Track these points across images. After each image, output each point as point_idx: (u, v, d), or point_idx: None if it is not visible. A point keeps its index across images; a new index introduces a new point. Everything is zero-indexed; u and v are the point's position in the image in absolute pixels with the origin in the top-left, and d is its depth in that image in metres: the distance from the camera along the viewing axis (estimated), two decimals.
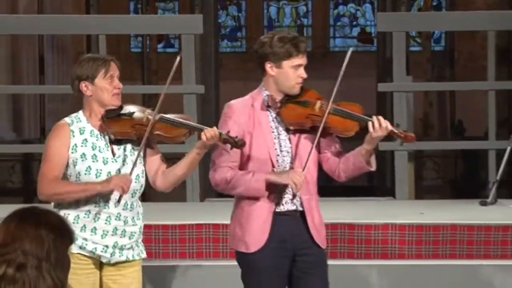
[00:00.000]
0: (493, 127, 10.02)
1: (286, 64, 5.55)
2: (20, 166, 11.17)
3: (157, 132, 5.40)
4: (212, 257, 7.44)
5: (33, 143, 11.69)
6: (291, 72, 5.56)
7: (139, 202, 5.54)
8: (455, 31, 18.42)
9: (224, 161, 5.55)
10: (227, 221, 7.47)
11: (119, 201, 5.29)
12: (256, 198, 5.53)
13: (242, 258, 5.67)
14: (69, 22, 11.39)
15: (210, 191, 11.88)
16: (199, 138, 5.40)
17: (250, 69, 22.53)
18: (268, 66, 5.59)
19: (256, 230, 5.59)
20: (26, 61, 12.37)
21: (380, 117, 5.47)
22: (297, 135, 5.65)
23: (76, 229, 5.29)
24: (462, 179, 14.26)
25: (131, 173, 5.31)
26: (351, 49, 5.80)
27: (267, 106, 5.64)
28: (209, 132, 5.29)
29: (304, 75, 5.60)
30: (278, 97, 5.61)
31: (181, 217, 7.85)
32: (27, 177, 11.14)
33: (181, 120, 5.55)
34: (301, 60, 5.60)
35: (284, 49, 5.56)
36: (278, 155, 5.61)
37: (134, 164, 5.35)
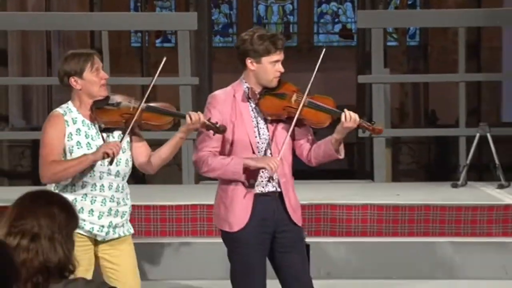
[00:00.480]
0: (463, 116, 10.05)
1: (265, 60, 5.57)
2: (30, 151, 11.12)
3: (145, 121, 5.43)
4: (206, 235, 7.45)
5: (40, 130, 11.67)
6: (269, 67, 5.58)
7: (127, 184, 5.56)
8: (429, 27, 18.40)
9: (206, 146, 5.57)
10: (208, 201, 7.55)
11: (110, 163, 5.29)
12: (238, 181, 5.57)
13: (226, 236, 5.72)
14: (74, 19, 11.37)
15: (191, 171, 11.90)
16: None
17: (239, 62, 22.60)
18: (248, 61, 5.63)
19: (239, 210, 5.64)
20: (35, 55, 12.35)
21: (350, 112, 5.50)
22: (275, 124, 5.67)
23: (77, 203, 5.37)
24: (435, 163, 14.25)
25: (121, 140, 5.32)
26: (324, 49, 5.86)
27: (247, 98, 5.68)
28: (194, 116, 5.34)
29: (281, 70, 5.63)
30: (258, 89, 5.64)
31: (178, 198, 7.86)
32: (35, 161, 11.11)
33: (166, 109, 5.59)
34: (279, 56, 5.63)
35: (264, 46, 5.59)
36: (258, 142, 5.65)
37: (124, 136, 5.37)
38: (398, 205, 7.54)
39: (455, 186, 8.96)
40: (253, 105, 5.65)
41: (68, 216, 3.69)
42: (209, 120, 5.37)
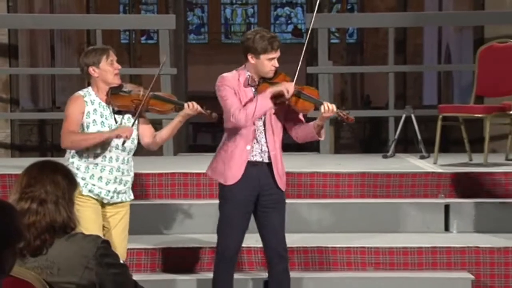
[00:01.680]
0: (392, 99, 10.05)
1: (263, 57, 5.68)
2: (37, 129, 11.07)
3: (151, 107, 5.58)
4: (182, 197, 7.43)
5: (46, 111, 11.54)
6: (266, 63, 5.69)
7: (132, 158, 5.65)
8: (364, 27, 18.42)
9: (233, 107, 5.66)
10: (195, 170, 7.53)
11: (123, 144, 5.43)
12: (237, 145, 5.71)
13: (221, 189, 5.86)
14: (73, 20, 11.29)
15: (181, 147, 11.84)
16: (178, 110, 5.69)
17: (211, 55, 22.66)
18: (249, 56, 5.73)
19: (235, 168, 5.75)
20: (41, 50, 12.25)
21: (329, 103, 5.63)
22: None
23: (86, 176, 5.48)
24: (369, 138, 14.30)
25: (132, 125, 5.47)
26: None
27: (248, 83, 5.76)
28: (192, 104, 5.53)
29: (276, 65, 5.74)
30: (257, 78, 5.75)
31: (159, 167, 7.84)
32: (42, 137, 11.04)
33: (169, 97, 5.84)
34: (275, 54, 5.72)
35: (263, 46, 5.68)
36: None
37: (134, 121, 5.50)
38: (339, 172, 7.54)
39: (385, 157, 8.97)
40: (253, 90, 5.74)
41: (70, 182, 3.69)
42: (204, 109, 5.56)
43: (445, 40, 14.08)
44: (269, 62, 5.75)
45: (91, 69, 5.48)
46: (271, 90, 5.64)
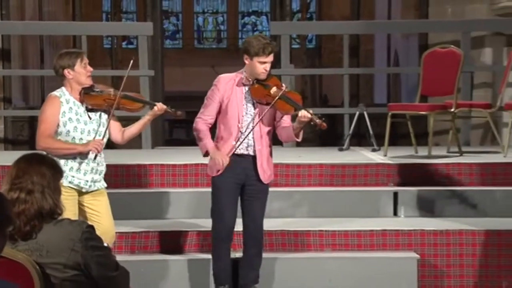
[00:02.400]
0: (347, 99, 10.08)
1: (255, 59, 5.74)
2: (27, 125, 11.01)
3: (122, 105, 5.59)
4: (159, 186, 7.40)
5: (36, 109, 11.46)
6: (258, 65, 5.74)
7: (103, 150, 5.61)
8: (322, 34, 18.48)
9: (203, 114, 5.81)
10: (171, 162, 7.51)
11: (94, 158, 5.45)
12: (226, 141, 5.76)
13: (212, 180, 5.88)
14: (61, 26, 11.24)
15: (158, 141, 11.78)
16: (151, 109, 5.66)
17: (185, 59, 22.63)
18: (245, 57, 5.77)
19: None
20: (31, 53, 12.14)
21: (305, 111, 5.63)
22: (259, 105, 5.78)
23: (66, 169, 5.45)
24: (326, 133, 14.29)
25: (103, 137, 5.46)
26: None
27: (243, 83, 5.79)
28: (160, 106, 5.56)
29: (267, 69, 5.75)
30: (251, 79, 5.76)
31: (139, 159, 7.79)
32: (32, 132, 10.95)
33: (138, 97, 5.82)
34: (266, 59, 5.71)
35: (256, 49, 5.70)
36: (243, 116, 5.78)
37: (105, 130, 5.49)
38: (300, 164, 7.55)
39: (341, 149, 8.99)
40: (246, 89, 5.75)
41: (55, 172, 3.70)
42: (170, 107, 5.59)
43: (393, 45, 14.11)
44: (260, 65, 5.75)
45: (66, 71, 5.46)
46: (212, 152, 5.73)
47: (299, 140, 5.87)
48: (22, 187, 3.59)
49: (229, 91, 5.78)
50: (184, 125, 18.46)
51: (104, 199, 5.64)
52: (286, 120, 5.84)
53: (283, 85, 5.81)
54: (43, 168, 3.63)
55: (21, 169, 3.63)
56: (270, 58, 5.75)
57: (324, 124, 5.64)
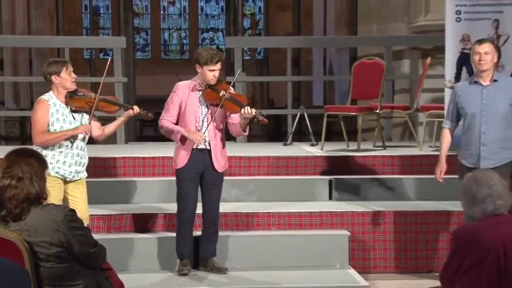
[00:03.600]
0: (290, 102, 10.09)
1: (205, 67, 5.75)
2: (18, 124, 10.89)
3: (101, 108, 5.58)
4: (131, 176, 7.34)
5: (26, 110, 11.32)
6: (207, 73, 5.75)
7: (85, 145, 5.59)
8: (269, 47, 18.51)
9: (166, 116, 5.80)
10: (141, 155, 7.45)
11: (83, 139, 5.44)
12: (182, 140, 5.72)
13: (176, 171, 5.88)
14: (47, 40, 11.17)
15: (131, 138, 11.71)
16: (125, 111, 5.68)
17: (153, 68, 22.53)
18: (196, 66, 5.76)
19: (182, 157, 5.80)
20: (21, 63, 12.01)
21: (249, 108, 5.63)
22: (212, 107, 5.78)
23: (53, 162, 5.42)
24: (273, 131, 14.35)
25: (89, 122, 5.44)
26: (240, 69, 6.14)
27: (197, 89, 5.76)
28: (135, 109, 5.56)
29: (216, 76, 5.74)
30: (203, 84, 5.74)
31: (114, 152, 7.71)
32: (22, 130, 10.82)
33: (115, 100, 5.79)
34: (214, 67, 5.71)
35: (204, 59, 5.70)
36: (199, 116, 5.77)
37: (90, 119, 5.48)
38: (251, 156, 7.54)
39: (285, 144, 9.00)
40: (200, 93, 5.73)
41: (41, 163, 3.70)
42: (142, 109, 5.55)
43: (328, 57, 14.20)
44: (210, 72, 5.74)
45: (53, 77, 5.43)
46: (185, 133, 5.67)
47: (245, 134, 5.90)
48: (13, 175, 3.57)
49: (186, 96, 5.79)
50: (153, 124, 18.47)
51: (83, 188, 5.60)
52: (235, 118, 5.84)
53: (231, 88, 5.82)
54: (31, 159, 3.63)
55: (11, 160, 3.62)
56: (218, 66, 5.75)
57: (265, 120, 5.72)
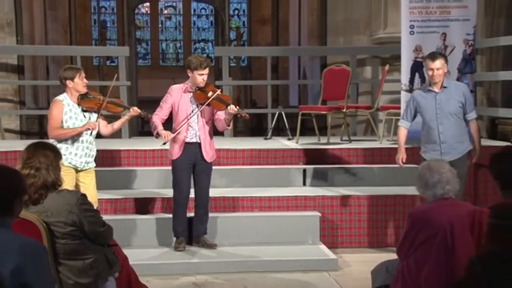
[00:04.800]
0: (269, 102, 10.07)
1: (196, 72, 5.74)
2: (37, 121, 10.79)
3: (108, 109, 5.55)
4: (134, 165, 7.30)
5: (43, 109, 11.22)
6: (197, 77, 5.75)
7: (94, 139, 5.56)
8: (251, 56, 18.47)
9: (159, 112, 5.83)
10: (143, 148, 7.41)
11: (91, 133, 5.41)
12: (180, 132, 5.73)
13: (172, 162, 5.89)
14: (61, 49, 11.12)
15: (133, 133, 11.65)
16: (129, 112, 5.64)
17: (152, 73, 22.45)
18: (188, 71, 5.79)
19: (176, 149, 5.81)
20: (40, 69, 11.89)
21: (233, 106, 5.68)
22: (200, 105, 5.77)
23: (66, 153, 5.41)
24: (255, 126, 14.33)
25: (96, 120, 5.40)
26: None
27: (188, 91, 5.77)
28: (135, 110, 5.53)
29: (205, 79, 5.75)
30: (194, 87, 5.75)
31: (119, 145, 7.67)
32: (40, 126, 10.73)
33: (120, 102, 5.77)
34: (203, 71, 5.73)
35: (195, 65, 5.73)
36: (190, 113, 5.78)
37: (97, 118, 5.43)
38: (236, 149, 7.53)
39: (265, 139, 8.99)
40: (191, 95, 5.73)
41: (56, 155, 3.67)
42: (143, 111, 5.55)
43: (302, 64, 14.18)
44: (199, 76, 5.74)
45: (67, 82, 5.41)
46: (160, 132, 5.70)
47: (229, 128, 5.94)
48: (32, 165, 3.54)
49: (178, 97, 5.81)
50: (151, 118, 18.52)
51: (92, 175, 5.59)
52: (220, 115, 5.85)
53: (218, 89, 5.83)
54: (47, 152, 3.60)
55: (31, 152, 3.60)
56: (206, 71, 5.76)
57: (247, 115, 5.77)
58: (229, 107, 5.68)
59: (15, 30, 10.26)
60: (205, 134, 5.85)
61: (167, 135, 5.72)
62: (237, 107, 5.70)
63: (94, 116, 5.46)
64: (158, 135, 5.79)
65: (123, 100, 6.41)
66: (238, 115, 5.73)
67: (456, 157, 5.65)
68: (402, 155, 5.87)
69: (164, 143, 5.83)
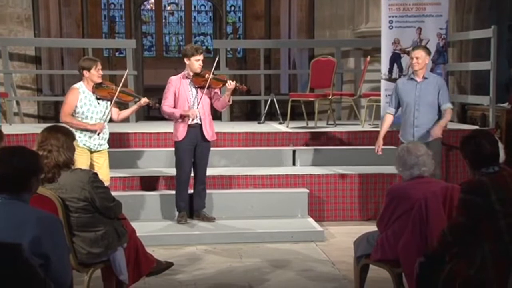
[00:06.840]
0: (263, 89, 10.04)
1: (193, 58, 5.71)
2: (53, 106, 10.74)
3: (119, 98, 5.47)
4: (142, 147, 7.28)
5: (59, 96, 11.16)
6: (194, 63, 5.72)
7: (107, 124, 5.49)
8: (247, 48, 18.37)
9: (166, 102, 5.77)
10: (149, 131, 7.38)
11: (98, 134, 5.34)
12: (181, 118, 5.71)
13: (175, 143, 5.85)
14: (74, 42, 11.00)
15: (140, 117, 11.60)
16: (138, 100, 5.60)
17: (157, 64, 22.33)
18: (185, 59, 5.75)
19: (180, 131, 5.78)
20: (55, 59, 11.82)
21: (231, 81, 5.68)
22: (199, 89, 5.74)
23: (81, 136, 5.36)
24: (250, 111, 14.29)
25: (104, 121, 5.36)
26: (218, 57, 6.07)
27: (187, 77, 5.73)
28: (144, 100, 5.48)
29: (201, 65, 5.72)
30: (191, 73, 5.71)
31: (128, 128, 7.65)
32: (56, 111, 10.68)
33: (131, 92, 5.71)
34: (199, 57, 5.70)
35: (191, 52, 5.70)
36: (190, 98, 5.75)
37: (107, 116, 5.38)
38: (233, 132, 7.51)
39: (259, 123, 8.96)
40: (189, 81, 5.69)
41: (67, 137, 3.65)
42: (151, 101, 5.47)
43: (292, 55, 14.11)
44: (196, 62, 5.71)
45: (85, 72, 5.37)
46: (183, 112, 5.65)
47: (230, 102, 5.85)
48: (45, 148, 3.53)
49: (178, 84, 5.79)
50: (158, 107, 18.48)
51: (105, 156, 5.56)
52: (218, 95, 5.82)
53: (212, 72, 5.78)
54: (58, 135, 3.58)
55: (44, 136, 3.58)
56: (202, 56, 5.75)
57: (245, 87, 5.84)
58: (227, 83, 5.70)
59: (33, 24, 10.18)
60: (205, 115, 5.86)
61: (193, 112, 5.71)
62: (234, 81, 5.70)
63: (107, 103, 5.43)
64: (182, 116, 5.75)
65: (132, 89, 6.36)
66: (237, 88, 5.73)
67: (429, 139, 5.65)
68: (379, 144, 5.90)
69: (193, 119, 5.77)
